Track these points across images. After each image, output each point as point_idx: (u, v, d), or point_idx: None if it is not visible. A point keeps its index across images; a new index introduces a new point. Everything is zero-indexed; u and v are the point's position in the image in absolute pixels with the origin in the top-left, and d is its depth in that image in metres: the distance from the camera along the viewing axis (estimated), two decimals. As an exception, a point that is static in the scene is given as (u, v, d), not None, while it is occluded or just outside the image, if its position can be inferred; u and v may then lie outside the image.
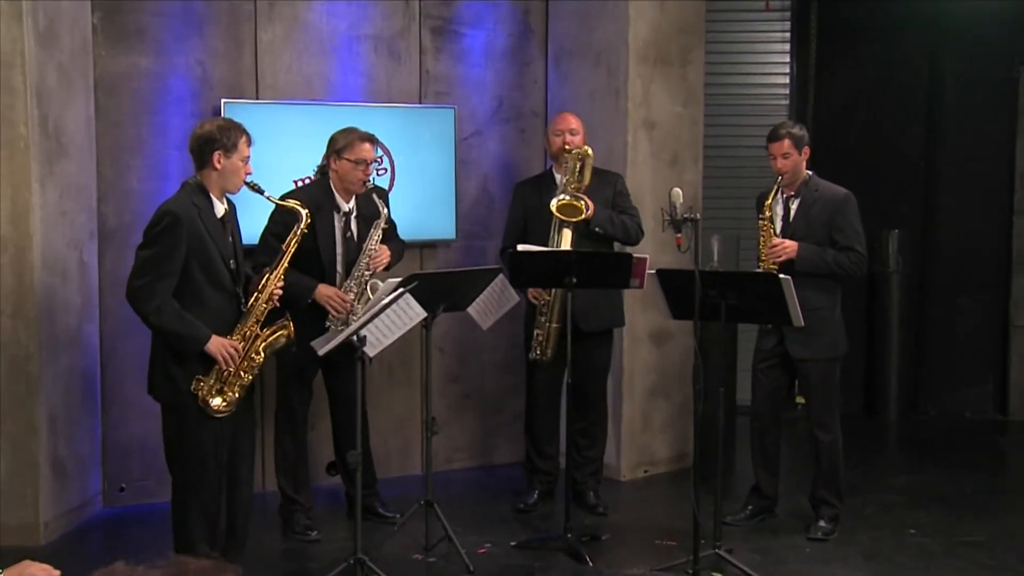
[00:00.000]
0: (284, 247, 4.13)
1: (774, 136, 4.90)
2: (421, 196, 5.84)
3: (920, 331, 7.61)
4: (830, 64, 7.48)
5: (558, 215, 4.96)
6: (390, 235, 4.97)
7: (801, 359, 4.92)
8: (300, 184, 5.22)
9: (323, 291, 4.70)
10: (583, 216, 4.95)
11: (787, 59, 7.45)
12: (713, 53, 6.76)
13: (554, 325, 5.05)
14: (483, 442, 6.27)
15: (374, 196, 4.80)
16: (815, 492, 5.05)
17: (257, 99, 5.48)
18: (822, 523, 4.99)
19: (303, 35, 5.60)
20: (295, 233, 4.13)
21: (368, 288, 4.73)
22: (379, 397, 5.89)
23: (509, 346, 6.06)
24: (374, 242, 4.77)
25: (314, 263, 4.60)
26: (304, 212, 4.17)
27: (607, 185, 5.26)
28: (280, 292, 4.06)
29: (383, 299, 4.07)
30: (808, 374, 4.95)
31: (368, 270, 4.77)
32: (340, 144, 4.76)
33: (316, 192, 4.78)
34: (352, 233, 4.83)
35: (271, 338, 4.04)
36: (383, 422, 5.88)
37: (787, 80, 7.45)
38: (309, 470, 5.10)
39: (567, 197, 5.01)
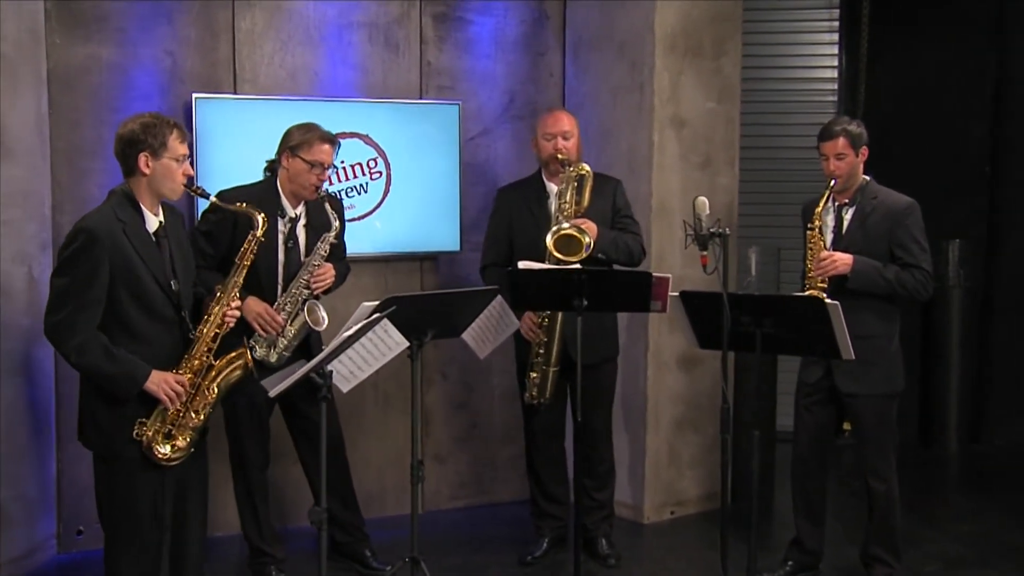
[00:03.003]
0: (238, 260, 3.58)
1: (827, 134, 4.25)
2: (421, 203, 5.26)
3: (983, 352, 7.00)
4: (884, 56, 6.87)
5: (555, 252, 4.30)
6: (336, 255, 4.39)
7: (851, 394, 4.26)
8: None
9: (252, 305, 4.09)
10: (584, 255, 4.29)
11: (835, 50, 6.91)
12: (752, 44, 6.20)
13: (552, 369, 4.43)
14: (491, 477, 5.65)
15: (327, 206, 4.21)
16: (867, 548, 4.40)
17: (235, 94, 4.92)
18: (875, 586, 4.32)
19: (287, 22, 5.03)
20: (250, 242, 3.60)
21: (305, 310, 4.13)
22: (374, 427, 5.31)
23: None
24: (318, 257, 4.19)
25: (249, 273, 4.04)
26: (260, 217, 3.62)
27: (604, 197, 4.59)
28: (237, 313, 3.53)
29: (351, 328, 3.44)
30: (860, 412, 4.29)
31: (307, 288, 4.18)
32: (296, 140, 4.20)
33: (259, 192, 4.17)
34: (297, 243, 4.24)
35: (227, 369, 3.47)
36: (379, 455, 5.30)
37: (835, 74, 6.90)
38: (271, 517, 4.51)
39: (566, 228, 4.34)
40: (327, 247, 4.19)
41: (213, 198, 3.54)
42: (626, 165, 5.24)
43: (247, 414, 4.27)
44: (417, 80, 5.32)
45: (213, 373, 3.45)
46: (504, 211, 4.74)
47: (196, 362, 3.42)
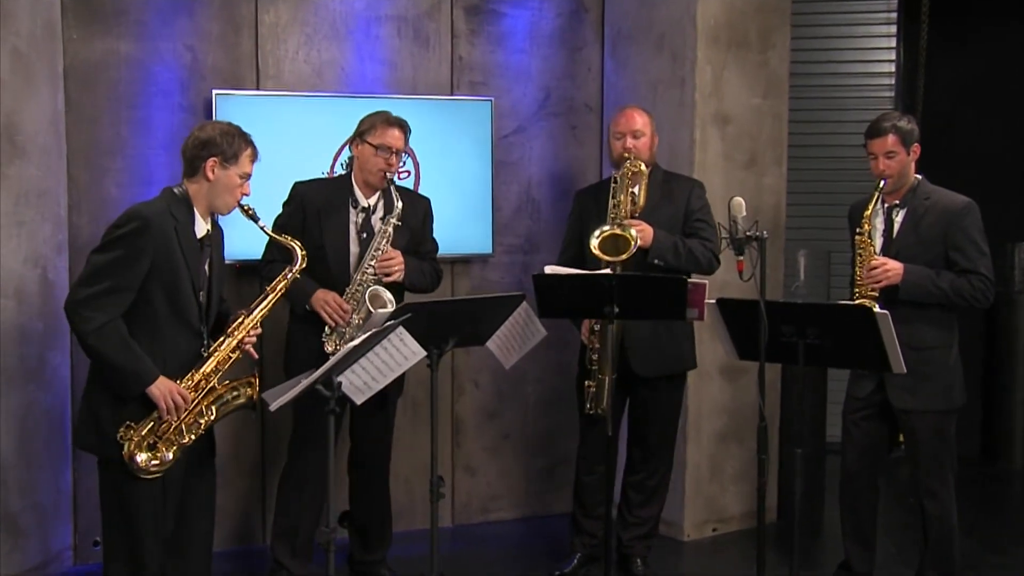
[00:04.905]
0: (269, 289, 3.51)
1: (876, 130, 3.99)
2: (451, 204, 5.03)
3: (1051, 360, 6.63)
4: (944, 49, 6.56)
5: (600, 255, 4.07)
6: (422, 254, 4.28)
7: (905, 410, 3.98)
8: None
9: (320, 295, 4.02)
10: (631, 251, 4.06)
11: (892, 43, 6.61)
12: (801, 38, 5.97)
13: (607, 377, 4.17)
14: (525, 490, 5.42)
15: (392, 189, 4.08)
16: (922, 574, 4.11)
17: (257, 90, 4.75)
18: (930, 616, 4.03)
19: (312, 16, 4.85)
20: (284, 276, 3.53)
21: (367, 298, 3.95)
22: (403, 437, 5.09)
23: (557, 377, 5.24)
24: (383, 240, 4.05)
25: (321, 265, 3.93)
26: (301, 254, 3.55)
27: (675, 200, 4.35)
28: (253, 340, 3.44)
29: (358, 338, 3.25)
30: (914, 428, 4.00)
31: (373, 275, 4.03)
32: (364, 126, 4.15)
33: (332, 183, 4.26)
34: (372, 234, 4.13)
35: (230, 396, 3.38)
36: (407, 466, 5.10)
37: (892, 68, 6.61)
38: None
39: (606, 229, 4.12)
40: (391, 230, 4.06)
41: (262, 223, 3.50)
42: (666, 164, 4.95)
43: (319, 423, 4.06)
44: (448, 75, 5.12)
45: (211, 397, 3.36)
46: (578, 214, 4.54)
47: (202, 379, 3.33)
